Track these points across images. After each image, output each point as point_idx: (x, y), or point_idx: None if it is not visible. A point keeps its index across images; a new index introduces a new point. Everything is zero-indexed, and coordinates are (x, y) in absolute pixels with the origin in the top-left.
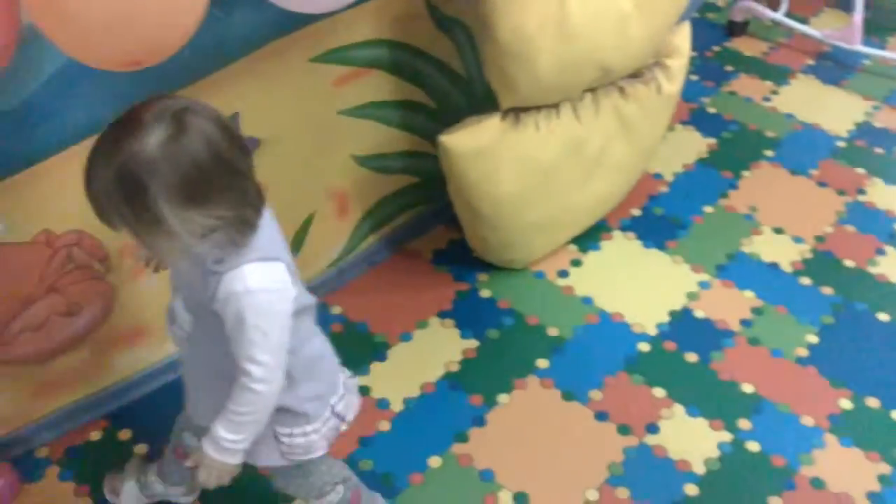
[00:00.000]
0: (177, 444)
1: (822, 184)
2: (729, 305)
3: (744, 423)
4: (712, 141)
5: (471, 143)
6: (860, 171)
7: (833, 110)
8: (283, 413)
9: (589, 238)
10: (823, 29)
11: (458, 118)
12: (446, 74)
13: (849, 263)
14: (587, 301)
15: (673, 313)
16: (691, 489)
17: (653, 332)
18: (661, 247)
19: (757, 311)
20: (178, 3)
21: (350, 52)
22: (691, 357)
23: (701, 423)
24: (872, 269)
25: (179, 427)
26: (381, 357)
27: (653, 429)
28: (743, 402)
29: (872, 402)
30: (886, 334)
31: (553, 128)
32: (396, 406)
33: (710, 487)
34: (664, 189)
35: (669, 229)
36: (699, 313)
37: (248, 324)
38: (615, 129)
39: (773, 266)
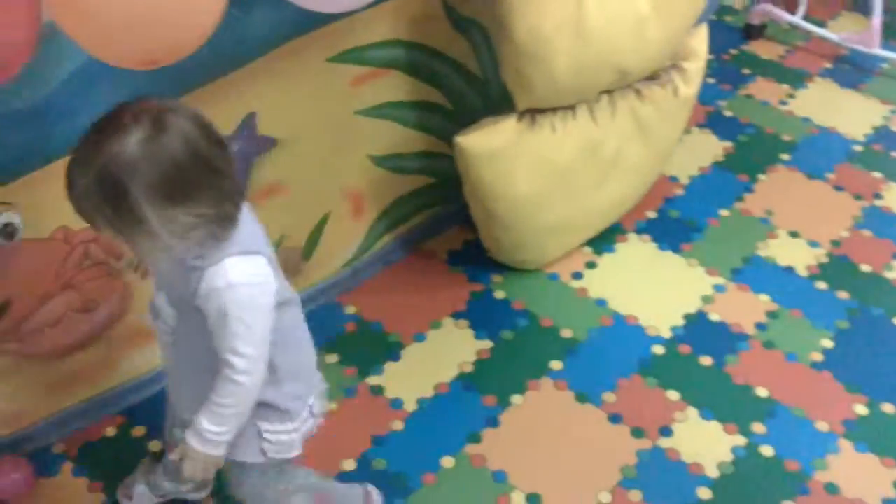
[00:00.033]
0: (169, 440)
1: (838, 188)
2: (744, 309)
3: (758, 427)
4: (728, 144)
5: (487, 144)
6: (877, 175)
7: (850, 114)
8: (268, 409)
9: (604, 240)
10: (841, 32)
11: (474, 119)
12: (463, 75)
13: (865, 268)
14: (601, 303)
15: (688, 316)
16: (704, 493)
17: (667, 334)
18: (676, 249)
19: (772, 314)
20: (198, 3)
21: (367, 53)
22: (706, 360)
23: (715, 426)
24: (888, 274)
25: (169, 424)
26: (395, 357)
27: (666, 432)
28: (757, 406)
29: (888, 408)
30: None
31: (569, 129)
32: (410, 406)
33: (723, 491)
34: (680, 192)
35: (685, 232)
36: (714, 316)
37: (231, 317)
38: (631, 131)
39: (789, 270)
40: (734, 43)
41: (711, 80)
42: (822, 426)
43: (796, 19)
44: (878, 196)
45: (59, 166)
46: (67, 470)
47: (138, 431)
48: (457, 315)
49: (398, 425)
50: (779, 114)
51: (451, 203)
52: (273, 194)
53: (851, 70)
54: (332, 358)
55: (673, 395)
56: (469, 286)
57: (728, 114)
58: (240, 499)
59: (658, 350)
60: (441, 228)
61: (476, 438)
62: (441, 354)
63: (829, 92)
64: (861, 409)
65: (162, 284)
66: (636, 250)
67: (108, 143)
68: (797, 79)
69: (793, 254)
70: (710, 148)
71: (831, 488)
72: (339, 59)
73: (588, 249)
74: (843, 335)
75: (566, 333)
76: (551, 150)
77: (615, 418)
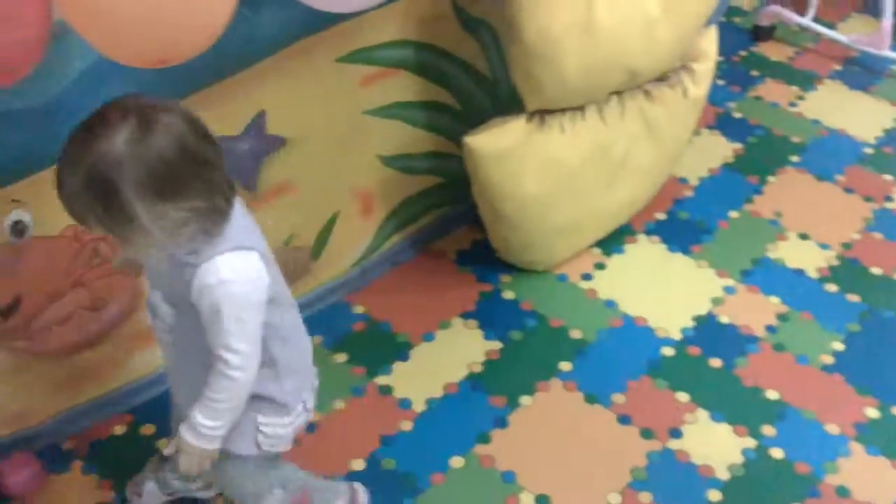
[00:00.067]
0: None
1: (848, 190)
2: (754, 311)
3: (768, 430)
4: (738, 146)
5: (495, 144)
6: (888, 177)
7: (860, 116)
8: (266, 402)
9: (613, 241)
10: (851, 34)
11: (483, 119)
12: (472, 76)
13: (876, 271)
14: (610, 304)
15: (697, 318)
16: (714, 495)
17: (677, 336)
18: (685, 251)
19: (782, 317)
20: (209, 3)
21: (376, 53)
22: (715, 362)
23: (725, 428)
24: None
25: (174, 421)
26: (404, 357)
27: (676, 433)
28: (767, 409)
29: None
30: None
31: (578, 130)
32: (419, 406)
33: (733, 493)
34: (689, 193)
35: (694, 234)
36: (724, 318)
37: (223, 314)
38: (641, 132)
39: (799, 272)
40: (743, 44)
41: (721, 82)
42: (832, 429)
43: (806, 21)
44: (888, 199)
45: None
46: (77, 467)
47: (147, 430)
48: (466, 315)
49: (407, 425)
50: (788, 115)
51: (460, 203)
52: (282, 194)
53: (861, 72)
54: (341, 357)
55: (683, 396)
56: (478, 286)
57: (737, 115)
58: (220, 488)
59: (668, 351)
60: (450, 228)
61: (485, 439)
62: (450, 354)
63: (838, 94)
64: (872, 413)
65: (157, 282)
66: (645, 251)
67: (97, 142)
68: (807, 80)
69: (803, 256)
70: (719, 149)
71: (842, 491)
72: (348, 58)
73: (597, 250)
74: (853, 338)
75: (575, 334)
76: (560, 151)
77: (624, 419)
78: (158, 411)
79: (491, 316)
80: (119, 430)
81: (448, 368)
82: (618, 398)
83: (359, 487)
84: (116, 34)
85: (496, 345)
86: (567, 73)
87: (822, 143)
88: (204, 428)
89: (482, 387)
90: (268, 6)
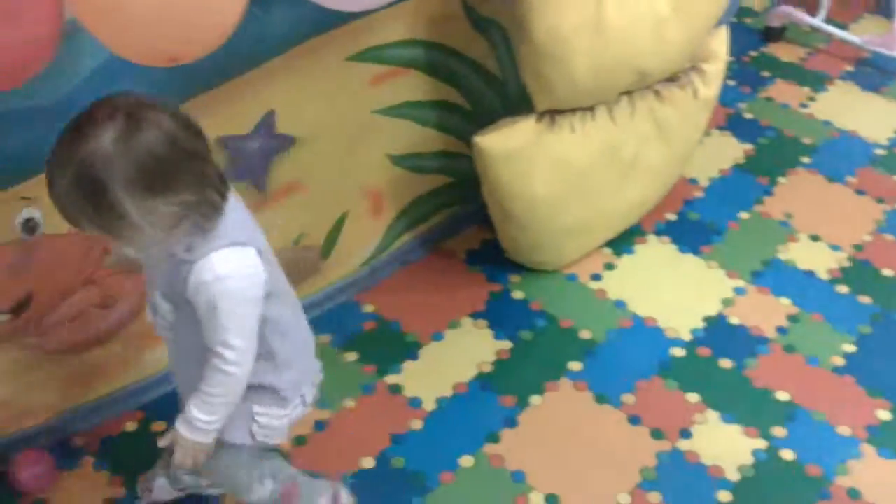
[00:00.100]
0: None
1: (860, 192)
2: (764, 312)
3: (778, 431)
4: (749, 146)
5: (505, 144)
6: None
7: (872, 117)
8: (264, 393)
9: (623, 242)
10: (863, 35)
11: (493, 119)
12: (481, 75)
13: (887, 273)
14: (620, 305)
15: (708, 319)
16: (725, 496)
17: (687, 337)
18: (696, 252)
19: (793, 318)
20: (220, 1)
21: (386, 52)
22: (726, 363)
23: (735, 429)
24: None
25: None
26: (414, 356)
27: (686, 434)
28: (778, 410)
29: None
30: None
31: (588, 130)
32: (429, 405)
33: (743, 495)
34: (700, 194)
35: (705, 234)
36: (734, 319)
37: (220, 310)
38: (651, 132)
39: (810, 274)
40: (754, 45)
41: (731, 83)
42: (843, 431)
43: (817, 21)
44: None
45: None
46: (88, 463)
47: (158, 427)
48: (475, 315)
49: (417, 424)
50: (799, 116)
51: (470, 203)
52: (291, 193)
53: (873, 73)
54: (351, 356)
55: (693, 397)
56: (488, 286)
57: (748, 116)
58: (211, 479)
59: (678, 352)
60: (459, 228)
61: (495, 438)
62: (459, 354)
63: (850, 95)
64: (884, 415)
65: (155, 280)
66: (655, 252)
67: (84, 142)
68: (818, 81)
69: (814, 257)
70: (729, 150)
71: (853, 493)
72: (357, 57)
73: (607, 251)
74: (865, 340)
75: (585, 334)
76: (570, 152)
77: (634, 420)
78: (169, 408)
79: (501, 316)
80: (130, 426)
81: (458, 368)
82: (628, 398)
83: (341, 489)
84: (128, 32)
85: (506, 344)
86: (577, 74)
87: (833, 144)
88: (199, 422)
89: (492, 386)
90: (278, 5)
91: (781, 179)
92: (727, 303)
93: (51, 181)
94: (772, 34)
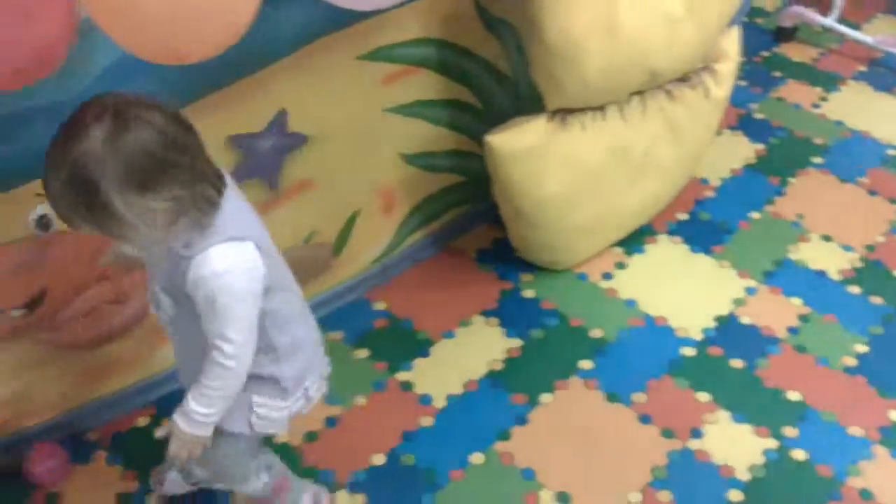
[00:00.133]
0: None
1: (872, 192)
2: (776, 312)
3: (789, 431)
4: (760, 147)
5: (516, 143)
6: None
7: (884, 118)
8: (265, 383)
9: (634, 241)
10: (876, 35)
11: (504, 118)
12: (493, 75)
13: None
14: (631, 304)
15: (719, 318)
16: (735, 495)
17: (698, 336)
18: (707, 251)
19: (804, 318)
20: (233, 1)
21: (398, 51)
22: (737, 363)
23: (746, 429)
24: None
25: None
26: (425, 353)
27: (697, 433)
28: (789, 410)
29: None
30: None
31: (599, 130)
32: (439, 402)
33: (754, 494)
34: (711, 194)
35: (716, 234)
36: (745, 319)
37: (218, 304)
38: (662, 132)
39: (821, 274)
40: (765, 45)
41: (743, 83)
42: (855, 431)
43: (829, 22)
44: None
45: None
46: (101, 458)
47: None
48: (486, 313)
49: (427, 421)
50: (811, 117)
51: (481, 201)
52: (303, 191)
53: (886, 73)
54: (363, 353)
55: (703, 396)
56: (499, 284)
57: (759, 116)
58: (206, 469)
59: (688, 351)
60: (471, 226)
61: (505, 436)
62: (470, 352)
63: (862, 95)
64: None
65: (156, 275)
66: (667, 251)
67: (75, 143)
68: (830, 82)
69: (825, 258)
70: (741, 150)
71: (865, 494)
72: (369, 56)
73: (618, 250)
74: (877, 340)
75: (596, 333)
76: (581, 151)
77: (645, 419)
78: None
79: (511, 314)
80: (142, 422)
81: (469, 365)
82: (638, 397)
83: (323, 493)
84: (141, 31)
85: (517, 343)
86: (588, 73)
87: (845, 144)
88: (196, 415)
89: (502, 384)
90: (290, 4)
91: (793, 180)
92: (738, 302)
93: (46, 183)
94: (783, 34)
